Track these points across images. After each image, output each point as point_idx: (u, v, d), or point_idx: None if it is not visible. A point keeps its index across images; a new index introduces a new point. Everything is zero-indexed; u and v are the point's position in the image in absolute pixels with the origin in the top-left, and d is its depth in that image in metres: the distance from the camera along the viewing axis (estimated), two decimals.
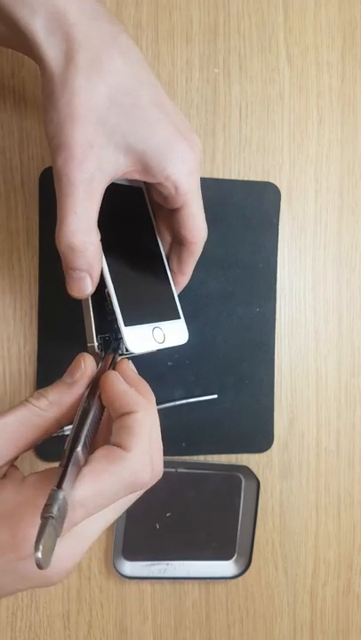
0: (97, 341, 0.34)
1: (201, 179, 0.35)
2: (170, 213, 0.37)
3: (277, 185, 0.48)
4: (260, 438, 0.49)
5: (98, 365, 0.33)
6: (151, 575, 0.47)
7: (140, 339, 0.34)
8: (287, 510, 0.50)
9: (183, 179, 0.33)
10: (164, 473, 0.41)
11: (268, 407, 0.49)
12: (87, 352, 0.33)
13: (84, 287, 0.33)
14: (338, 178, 0.50)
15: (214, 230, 0.43)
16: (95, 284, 0.33)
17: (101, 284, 0.34)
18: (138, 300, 0.36)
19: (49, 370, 0.44)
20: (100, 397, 0.31)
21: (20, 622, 0.47)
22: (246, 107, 0.48)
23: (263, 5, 0.48)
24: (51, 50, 0.29)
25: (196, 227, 0.36)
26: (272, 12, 0.48)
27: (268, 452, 0.49)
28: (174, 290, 0.39)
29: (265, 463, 0.49)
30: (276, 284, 0.48)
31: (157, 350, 0.36)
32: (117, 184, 0.36)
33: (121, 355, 0.36)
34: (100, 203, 0.31)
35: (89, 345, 0.35)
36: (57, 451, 0.30)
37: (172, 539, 0.48)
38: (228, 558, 0.49)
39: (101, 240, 0.33)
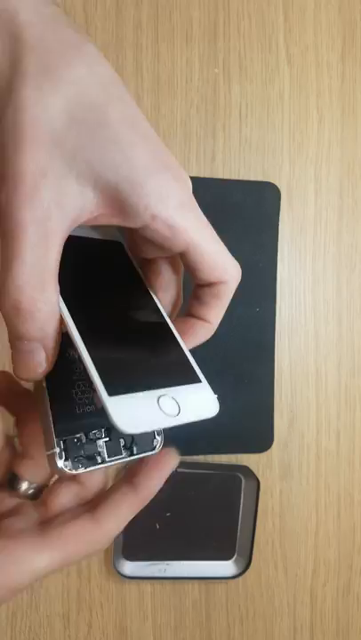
0: (58, 446, 0.25)
1: (201, 179, 0.32)
2: (176, 259, 0.29)
3: (277, 185, 0.48)
4: (260, 438, 0.49)
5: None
6: (151, 575, 0.47)
7: (138, 412, 0.23)
8: (287, 510, 0.50)
9: (176, 214, 0.25)
10: None
11: (268, 407, 0.49)
12: (48, 463, 0.25)
13: (35, 364, 0.24)
14: (338, 178, 0.50)
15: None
16: (51, 361, 0.25)
17: (65, 351, 0.26)
18: (128, 363, 0.26)
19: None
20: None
21: (19, 622, 0.47)
22: (246, 107, 0.48)
23: (263, 5, 0.48)
24: None
25: (216, 265, 0.27)
26: (272, 13, 0.48)
27: (268, 452, 0.49)
28: (184, 346, 0.29)
29: (265, 463, 0.49)
30: (276, 284, 0.48)
31: (174, 427, 0.26)
32: (87, 239, 0.29)
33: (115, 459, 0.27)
34: (61, 251, 0.24)
35: (47, 453, 0.25)
36: None
37: (172, 539, 0.48)
38: (227, 558, 0.49)
39: (66, 299, 0.24)
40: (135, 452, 0.27)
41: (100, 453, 0.26)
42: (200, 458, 0.48)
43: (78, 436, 0.26)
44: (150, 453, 0.27)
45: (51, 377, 0.25)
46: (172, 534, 0.48)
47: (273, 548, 0.50)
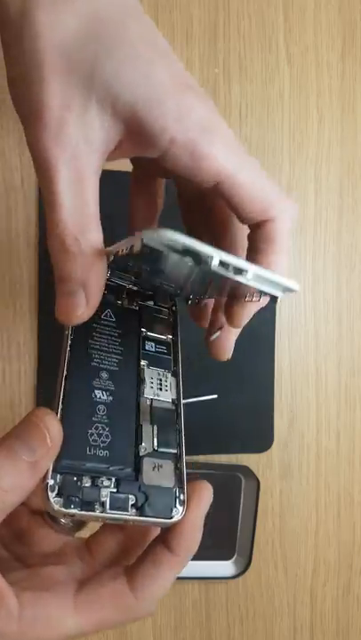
0: (53, 479, 0.23)
1: None
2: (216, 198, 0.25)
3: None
4: (260, 438, 0.49)
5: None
6: None
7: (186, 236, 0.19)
8: (287, 510, 0.50)
9: (198, 138, 0.22)
10: None
11: (268, 407, 0.49)
12: (42, 495, 0.23)
13: (75, 305, 0.24)
14: (338, 177, 0.50)
15: None
16: (93, 307, 0.24)
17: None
18: None
19: (49, 370, 0.44)
20: None
21: None
22: (246, 107, 0.48)
23: (263, 5, 0.48)
24: None
25: (255, 197, 0.24)
26: (272, 12, 0.48)
27: (268, 452, 0.49)
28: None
29: (265, 463, 0.49)
30: None
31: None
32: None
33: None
34: (97, 189, 0.23)
35: (42, 485, 0.23)
36: None
37: None
38: (227, 558, 0.49)
39: None
40: (146, 514, 0.24)
41: (102, 503, 0.23)
42: (200, 457, 0.48)
43: (82, 476, 0.23)
44: (164, 521, 0.24)
45: (66, 414, 0.24)
46: None
47: (273, 547, 0.50)
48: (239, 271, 0.21)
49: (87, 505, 0.23)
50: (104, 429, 0.25)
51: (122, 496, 0.23)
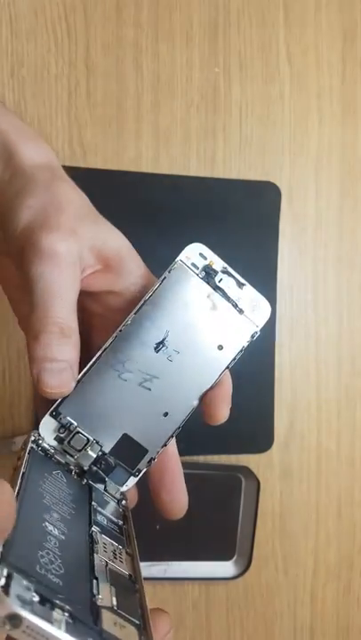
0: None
1: (201, 178, 0.33)
2: None
3: (278, 184, 0.48)
4: (260, 439, 0.49)
5: None
6: (151, 576, 0.47)
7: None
8: (287, 511, 0.50)
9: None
10: None
11: (268, 407, 0.49)
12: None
13: (67, 381, 0.27)
14: (338, 177, 0.50)
15: (214, 230, 0.43)
16: (75, 379, 0.28)
17: None
18: None
19: None
20: None
21: None
22: (246, 106, 0.48)
23: (263, 5, 0.48)
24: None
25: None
26: (272, 12, 0.48)
27: (269, 452, 0.49)
28: None
29: (265, 464, 0.49)
30: (276, 284, 0.48)
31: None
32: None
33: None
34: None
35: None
36: None
37: (172, 539, 0.48)
38: (228, 559, 0.49)
39: None
40: None
41: (56, 624, 0.16)
42: (200, 458, 0.48)
43: (32, 585, 0.17)
44: None
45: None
46: (173, 535, 0.48)
47: (273, 548, 0.50)
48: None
49: (41, 612, 0.16)
50: (55, 559, 0.20)
51: (80, 630, 0.17)
